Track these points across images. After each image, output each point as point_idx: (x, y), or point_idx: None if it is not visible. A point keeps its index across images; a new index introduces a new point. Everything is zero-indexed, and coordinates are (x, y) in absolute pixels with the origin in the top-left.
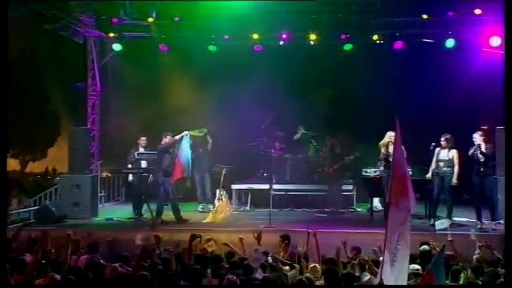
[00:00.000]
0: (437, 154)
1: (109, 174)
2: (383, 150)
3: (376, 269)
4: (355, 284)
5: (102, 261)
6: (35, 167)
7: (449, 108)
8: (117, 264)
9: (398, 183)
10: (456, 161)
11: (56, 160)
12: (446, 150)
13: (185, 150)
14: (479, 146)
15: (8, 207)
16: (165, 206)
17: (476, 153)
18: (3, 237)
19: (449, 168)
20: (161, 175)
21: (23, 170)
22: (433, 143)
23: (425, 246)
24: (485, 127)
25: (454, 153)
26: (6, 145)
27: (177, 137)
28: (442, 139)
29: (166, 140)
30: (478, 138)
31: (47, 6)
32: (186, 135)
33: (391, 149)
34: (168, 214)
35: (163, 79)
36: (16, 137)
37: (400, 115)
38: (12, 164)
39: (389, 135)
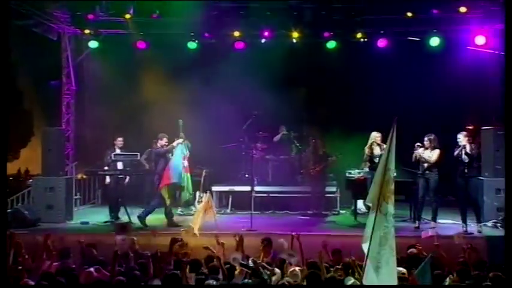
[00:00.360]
0: (421, 155)
1: (84, 176)
2: (367, 151)
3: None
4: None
5: (73, 266)
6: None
7: (434, 107)
8: (92, 269)
9: (385, 187)
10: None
11: (28, 161)
12: (429, 151)
13: (177, 156)
14: (464, 146)
15: None
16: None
17: (461, 154)
18: (3, 236)
19: (433, 170)
20: (156, 178)
21: None
22: (418, 144)
23: (412, 249)
24: (470, 127)
25: (437, 154)
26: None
27: (174, 144)
28: (426, 139)
29: (163, 142)
30: (462, 139)
31: (19, 2)
32: (181, 143)
33: (375, 149)
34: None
35: (141, 78)
36: None
37: (389, 116)
38: None
39: (374, 136)
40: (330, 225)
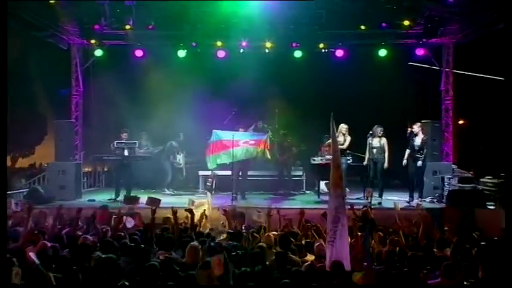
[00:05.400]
0: (371, 143)
1: (90, 169)
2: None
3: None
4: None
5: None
6: (24, 162)
7: (382, 106)
8: (89, 236)
9: (334, 173)
10: (386, 148)
11: (43, 157)
12: (377, 139)
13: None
14: (416, 134)
15: None
16: None
17: (413, 139)
18: (3, 235)
19: (380, 155)
20: None
21: (14, 166)
22: (370, 132)
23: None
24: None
25: (384, 141)
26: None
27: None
28: (376, 129)
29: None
30: (416, 128)
31: (35, 15)
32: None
33: (339, 138)
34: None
35: (139, 82)
36: (7, 136)
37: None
38: None
39: (341, 127)
40: (298, 202)
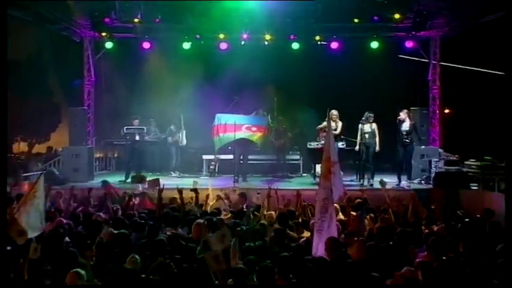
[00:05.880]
0: (362, 128)
1: (101, 155)
2: (323, 124)
3: None
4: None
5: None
6: (40, 148)
7: (373, 94)
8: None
9: (324, 165)
10: (377, 132)
11: (57, 143)
12: (369, 125)
13: None
14: (403, 120)
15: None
16: None
17: (400, 125)
18: (3, 234)
19: (372, 139)
20: None
21: (31, 151)
22: (362, 118)
23: (358, 199)
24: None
25: (375, 126)
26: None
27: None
28: (368, 116)
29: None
30: (402, 115)
31: (51, 10)
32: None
33: (332, 124)
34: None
35: (146, 72)
36: (25, 124)
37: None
38: (22, 147)
39: (331, 113)
40: (295, 184)
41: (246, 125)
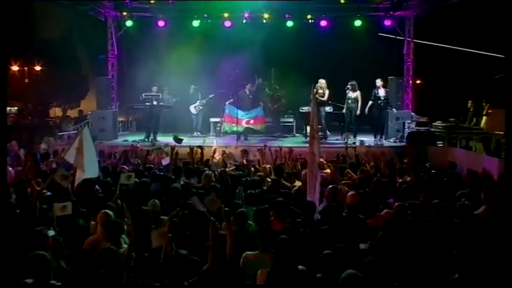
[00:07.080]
0: (347, 94)
1: (123, 119)
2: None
3: None
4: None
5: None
6: (71, 113)
7: (357, 66)
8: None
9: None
10: (360, 98)
11: (86, 108)
12: (352, 92)
13: None
14: (379, 87)
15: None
16: None
17: (377, 92)
18: (3, 232)
19: (354, 104)
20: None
21: (64, 115)
22: (347, 86)
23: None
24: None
25: (358, 94)
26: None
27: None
28: (351, 83)
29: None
30: (379, 82)
31: None
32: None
33: (319, 91)
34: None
35: (161, 47)
36: (59, 92)
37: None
38: (57, 112)
39: (320, 82)
40: (289, 142)
41: (246, 119)
